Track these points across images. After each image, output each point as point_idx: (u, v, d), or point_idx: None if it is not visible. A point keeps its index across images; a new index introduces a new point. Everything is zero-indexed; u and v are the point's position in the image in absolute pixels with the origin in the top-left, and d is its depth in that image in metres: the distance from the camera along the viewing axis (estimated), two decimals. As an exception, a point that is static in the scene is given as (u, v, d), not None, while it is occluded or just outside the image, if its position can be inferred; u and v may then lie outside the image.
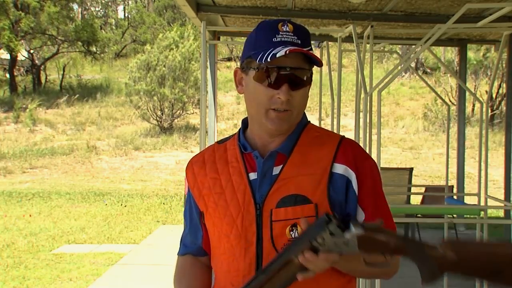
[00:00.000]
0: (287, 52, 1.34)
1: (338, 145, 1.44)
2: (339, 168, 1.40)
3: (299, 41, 1.38)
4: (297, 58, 1.37)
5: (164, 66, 17.57)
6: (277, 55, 1.34)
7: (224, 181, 1.45)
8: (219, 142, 1.56)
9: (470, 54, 16.89)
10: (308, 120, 1.52)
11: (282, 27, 1.39)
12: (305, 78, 1.39)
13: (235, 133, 1.55)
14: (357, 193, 1.40)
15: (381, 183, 1.47)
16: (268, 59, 1.35)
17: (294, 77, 1.37)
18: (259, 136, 1.46)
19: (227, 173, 1.46)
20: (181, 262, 1.57)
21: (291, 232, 1.37)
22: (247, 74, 1.43)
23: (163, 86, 17.45)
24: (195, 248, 1.55)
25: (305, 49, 1.37)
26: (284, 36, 1.38)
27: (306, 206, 1.37)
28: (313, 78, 1.48)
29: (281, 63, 1.36)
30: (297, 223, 1.36)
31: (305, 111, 1.50)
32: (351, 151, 1.44)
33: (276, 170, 1.42)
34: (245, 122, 1.52)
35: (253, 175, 1.43)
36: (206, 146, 1.63)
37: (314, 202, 1.37)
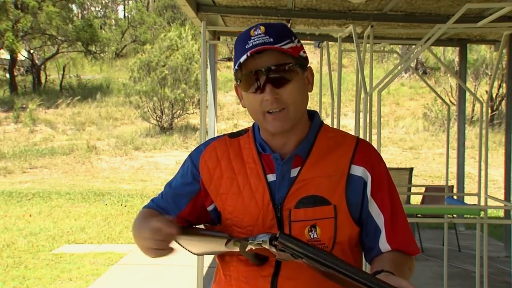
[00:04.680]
0: (249, 54, 1.34)
1: (355, 147, 1.43)
2: (357, 170, 1.40)
3: (272, 39, 1.36)
4: (274, 56, 1.36)
5: (164, 66, 17.58)
6: (241, 60, 1.35)
7: (242, 182, 1.43)
8: (230, 136, 1.53)
9: (470, 54, 16.88)
10: (322, 120, 1.51)
11: (254, 32, 1.38)
12: (287, 73, 1.37)
13: (249, 129, 1.52)
14: (369, 197, 1.41)
15: (394, 185, 1.47)
16: (236, 67, 1.37)
17: (274, 75, 1.36)
18: (272, 140, 1.45)
19: (244, 174, 1.44)
20: (145, 210, 1.53)
21: (310, 233, 1.37)
22: (239, 87, 1.44)
23: (164, 86, 17.46)
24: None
25: (273, 46, 1.35)
26: (256, 39, 1.37)
27: (326, 207, 1.37)
28: (305, 72, 1.45)
29: (257, 66, 1.36)
30: (316, 224, 1.37)
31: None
32: (368, 153, 1.44)
33: (294, 172, 1.41)
34: None
35: (271, 177, 1.42)
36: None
37: (333, 203, 1.38)
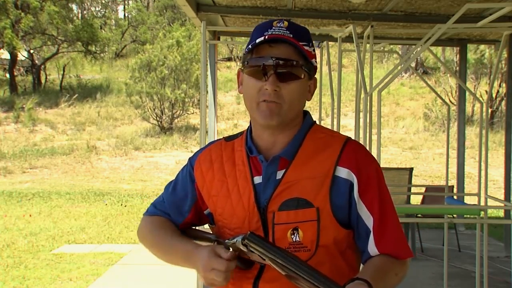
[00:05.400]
0: (266, 37, 1.35)
1: (342, 148, 1.42)
2: (343, 172, 1.39)
3: (291, 35, 1.37)
4: (288, 51, 1.37)
5: (164, 66, 17.57)
6: (257, 41, 1.36)
7: (231, 184, 1.45)
8: (226, 139, 1.54)
9: (470, 54, 16.88)
10: (314, 121, 1.50)
11: (277, 24, 1.40)
12: (295, 71, 1.38)
13: (244, 132, 1.53)
14: (357, 199, 1.39)
15: (387, 187, 1.46)
16: (250, 46, 1.38)
17: (282, 68, 1.36)
18: (261, 137, 1.45)
19: (233, 176, 1.45)
20: (153, 219, 1.55)
21: (292, 236, 1.36)
22: (243, 71, 1.44)
23: (164, 86, 17.45)
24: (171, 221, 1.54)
25: (291, 38, 1.36)
26: (276, 29, 1.38)
27: (308, 210, 1.37)
28: (314, 77, 1.46)
29: (269, 53, 1.36)
30: (298, 227, 1.36)
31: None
32: (355, 155, 1.42)
33: (279, 174, 1.41)
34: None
35: (258, 179, 1.42)
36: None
37: (315, 206, 1.36)
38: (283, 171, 1.41)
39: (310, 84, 1.45)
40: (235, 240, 1.34)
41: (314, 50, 1.44)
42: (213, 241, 1.44)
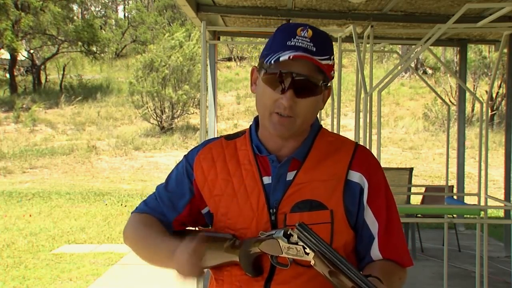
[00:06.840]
0: (291, 57, 1.31)
1: (353, 152, 1.42)
2: (355, 176, 1.39)
3: (314, 49, 1.33)
4: (307, 66, 1.33)
5: (165, 66, 17.57)
6: (280, 59, 1.31)
7: (237, 184, 1.41)
8: (227, 138, 1.51)
9: (470, 54, 16.89)
10: (321, 124, 1.49)
11: (301, 32, 1.35)
12: (313, 87, 1.35)
13: (245, 131, 1.50)
14: (365, 204, 1.39)
15: (392, 193, 1.46)
16: (272, 62, 1.33)
17: (301, 84, 1.33)
18: (271, 138, 1.42)
19: (239, 175, 1.42)
20: (141, 217, 1.49)
21: None
22: (259, 74, 1.40)
23: (165, 86, 17.45)
24: (163, 220, 1.48)
25: (314, 57, 1.32)
26: (300, 41, 1.34)
27: (322, 212, 1.36)
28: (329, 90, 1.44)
29: (289, 68, 1.33)
30: (312, 229, 1.34)
31: None
32: (366, 160, 1.42)
33: (290, 175, 1.39)
34: (257, 121, 1.47)
35: (267, 179, 1.40)
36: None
37: (329, 208, 1.36)
38: (294, 172, 1.39)
39: (324, 93, 1.43)
40: (273, 232, 1.30)
41: (333, 59, 1.40)
42: (230, 239, 1.38)
